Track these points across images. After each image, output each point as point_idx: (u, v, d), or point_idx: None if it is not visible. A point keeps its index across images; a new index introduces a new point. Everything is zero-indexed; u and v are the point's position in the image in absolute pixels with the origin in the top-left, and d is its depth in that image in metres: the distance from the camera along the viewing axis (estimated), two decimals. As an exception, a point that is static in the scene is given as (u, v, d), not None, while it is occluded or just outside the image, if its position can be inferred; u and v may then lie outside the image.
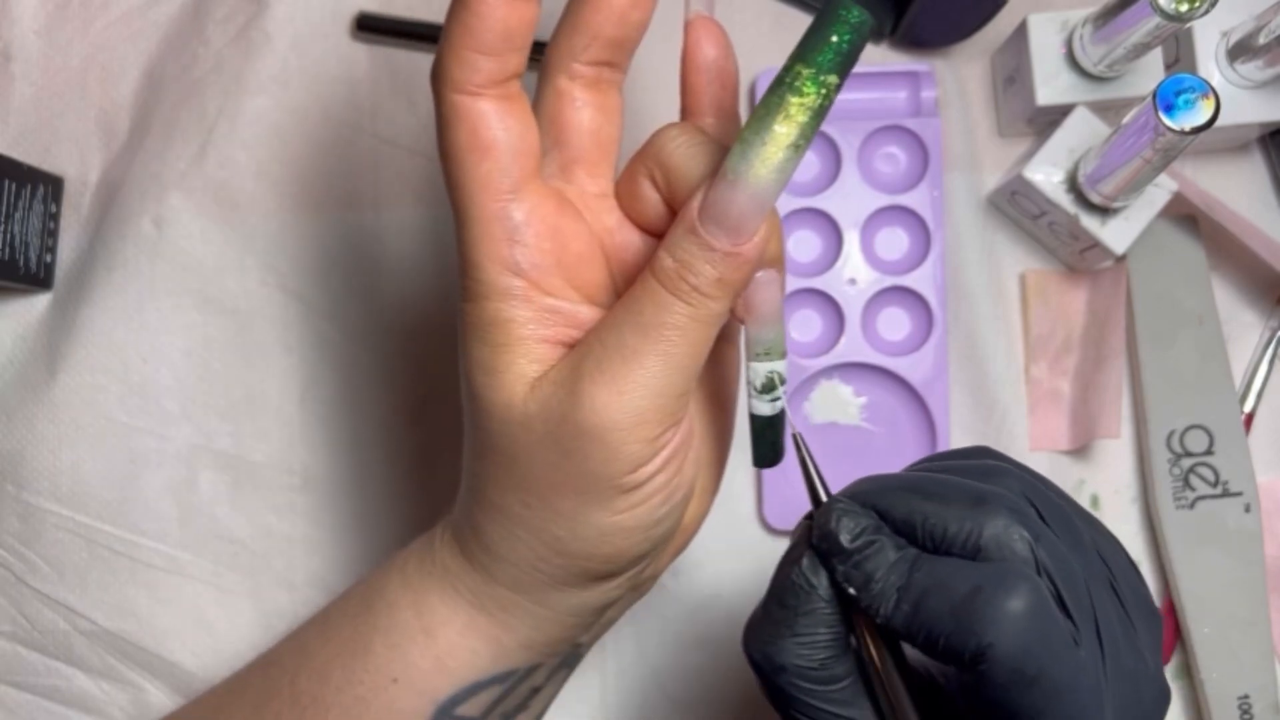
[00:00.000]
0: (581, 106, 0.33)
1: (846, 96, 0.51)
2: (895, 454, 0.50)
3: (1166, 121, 0.40)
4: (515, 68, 0.31)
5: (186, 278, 0.50)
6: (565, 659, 0.38)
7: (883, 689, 0.31)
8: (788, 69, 0.28)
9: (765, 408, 0.33)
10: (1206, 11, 0.41)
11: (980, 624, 0.28)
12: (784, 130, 0.28)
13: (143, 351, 0.50)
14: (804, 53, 0.28)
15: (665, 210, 0.32)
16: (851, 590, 0.30)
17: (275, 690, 0.39)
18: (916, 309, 0.51)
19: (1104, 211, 0.47)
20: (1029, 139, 0.51)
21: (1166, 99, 0.40)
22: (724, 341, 0.35)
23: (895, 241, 0.51)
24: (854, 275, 0.50)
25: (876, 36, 0.52)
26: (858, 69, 0.31)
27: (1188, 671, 0.50)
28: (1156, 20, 0.42)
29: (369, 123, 0.52)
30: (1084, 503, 0.51)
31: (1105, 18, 0.45)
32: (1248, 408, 0.51)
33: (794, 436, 0.33)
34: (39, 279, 0.50)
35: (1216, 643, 0.49)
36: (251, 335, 0.50)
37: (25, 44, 0.52)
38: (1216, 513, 0.50)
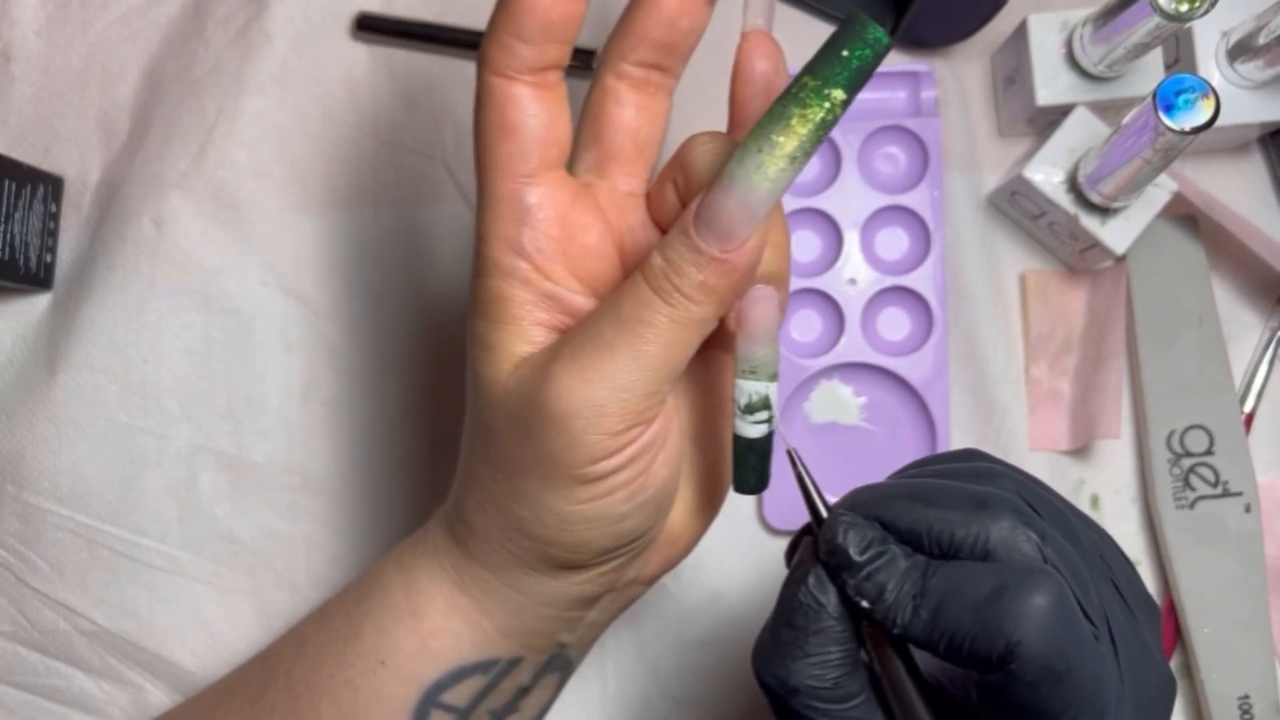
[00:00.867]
0: (624, 105, 0.33)
1: (846, 96, 0.51)
2: (895, 454, 0.50)
3: (1166, 121, 0.40)
4: (553, 59, 0.31)
5: (186, 278, 0.50)
6: (551, 660, 0.38)
7: (898, 702, 0.31)
8: (796, 80, 0.28)
9: (748, 429, 0.32)
10: (1206, 11, 0.41)
11: (1008, 623, 0.28)
12: (782, 141, 0.28)
13: (143, 351, 0.50)
14: (815, 66, 0.28)
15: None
16: (864, 604, 0.30)
17: (272, 681, 0.39)
18: (916, 309, 0.51)
19: (1104, 211, 0.47)
20: (1029, 139, 0.51)
21: (1166, 99, 0.40)
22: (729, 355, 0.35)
23: (895, 241, 0.51)
24: (854, 275, 0.50)
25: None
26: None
27: (1188, 671, 0.50)
28: (1156, 20, 0.42)
29: (369, 123, 0.52)
30: (1084, 503, 0.51)
31: (1105, 18, 0.45)
32: (1248, 408, 0.51)
33: (789, 453, 0.32)
34: (39, 279, 0.50)
35: (1216, 643, 0.49)
36: (251, 335, 0.50)
37: (25, 44, 0.52)
38: (1216, 513, 0.49)
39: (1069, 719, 0.28)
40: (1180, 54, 0.49)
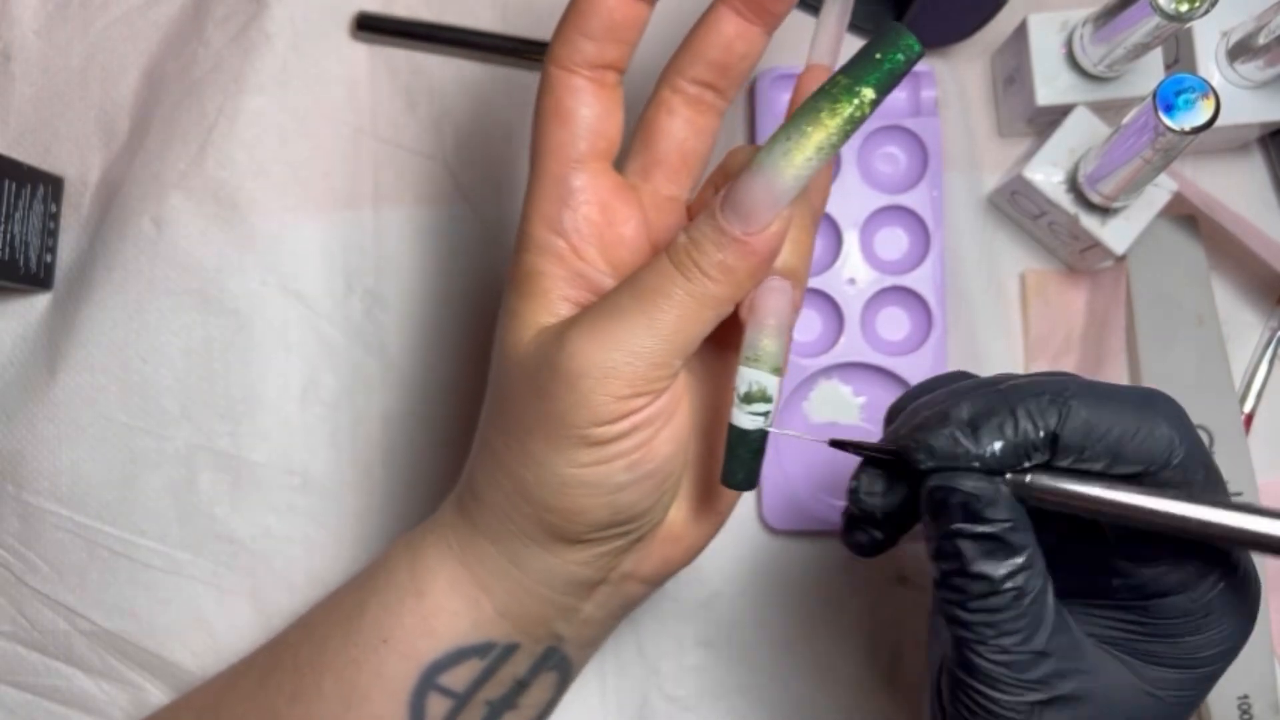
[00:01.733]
0: (676, 117, 0.35)
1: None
2: (895, 454, 0.50)
3: (1166, 121, 0.40)
4: (613, 58, 0.34)
5: (186, 278, 0.50)
6: (548, 655, 0.38)
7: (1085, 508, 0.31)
8: (831, 79, 0.30)
9: (743, 418, 0.33)
10: (1206, 11, 0.41)
11: (1168, 422, 0.30)
12: (810, 131, 0.29)
13: (143, 351, 0.50)
14: (849, 67, 0.30)
15: None
16: (1000, 446, 0.31)
17: (279, 663, 0.40)
18: (916, 309, 0.51)
19: (1104, 211, 0.47)
20: (1029, 139, 0.51)
21: (1166, 99, 0.40)
22: None
23: (895, 241, 0.51)
24: (853, 275, 0.50)
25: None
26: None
27: (1188, 671, 0.50)
28: (1156, 20, 0.42)
29: (369, 123, 0.52)
30: (1084, 503, 0.51)
31: (1105, 18, 0.45)
32: (1248, 408, 0.51)
33: (831, 442, 0.34)
34: (39, 279, 0.50)
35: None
36: (251, 335, 0.50)
37: (25, 44, 0.52)
38: (1216, 513, 0.49)
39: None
40: (1180, 54, 0.49)
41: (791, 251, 0.33)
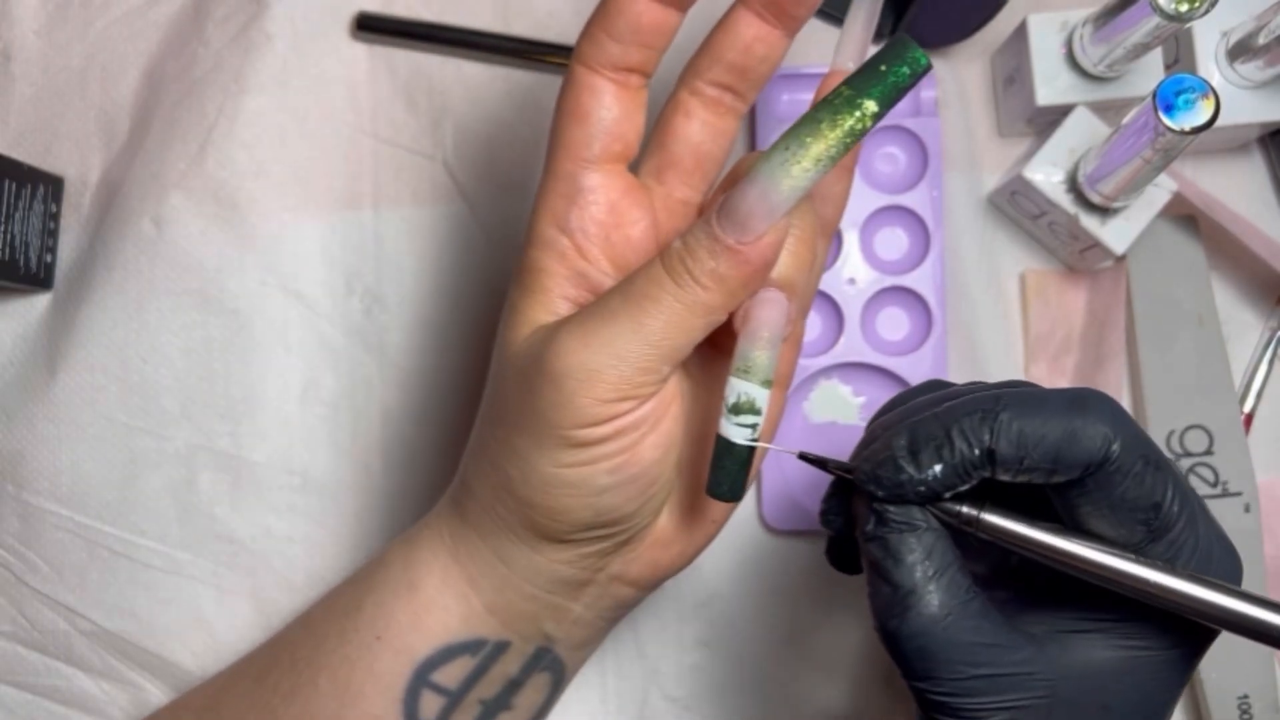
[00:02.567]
0: (692, 119, 0.35)
1: (846, 96, 0.51)
2: (895, 454, 0.50)
3: (1166, 121, 0.40)
4: (637, 61, 0.34)
5: (186, 278, 0.50)
6: (539, 655, 0.38)
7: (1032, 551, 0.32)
8: (835, 89, 0.30)
9: (731, 429, 0.32)
10: (1206, 11, 0.41)
11: (1100, 422, 0.30)
12: (810, 142, 0.29)
13: (143, 351, 0.50)
14: (853, 78, 0.29)
15: None
16: (940, 470, 0.31)
17: (277, 661, 0.40)
18: (916, 309, 0.51)
19: (1104, 211, 0.47)
20: (1029, 139, 0.51)
21: (1166, 99, 0.40)
22: None
23: (895, 241, 0.51)
24: (853, 275, 0.50)
25: (876, 36, 0.52)
26: (857, 69, 0.31)
27: (1187, 671, 0.50)
28: (1156, 20, 0.42)
29: (369, 123, 0.52)
30: (1084, 503, 0.51)
31: (1105, 18, 0.45)
32: (1247, 408, 0.51)
33: (801, 455, 0.34)
34: (39, 279, 0.50)
35: (1216, 643, 0.49)
36: (251, 335, 0.50)
37: (25, 44, 0.52)
38: (1216, 512, 0.49)
39: (1171, 500, 0.31)
40: (1180, 54, 0.49)
41: (789, 263, 0.33)
